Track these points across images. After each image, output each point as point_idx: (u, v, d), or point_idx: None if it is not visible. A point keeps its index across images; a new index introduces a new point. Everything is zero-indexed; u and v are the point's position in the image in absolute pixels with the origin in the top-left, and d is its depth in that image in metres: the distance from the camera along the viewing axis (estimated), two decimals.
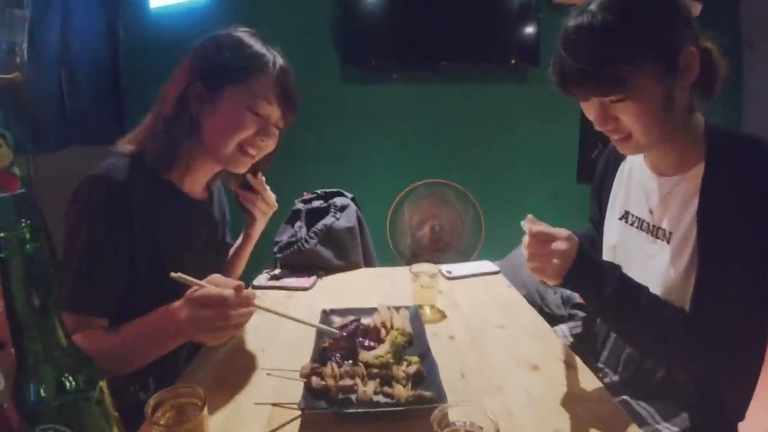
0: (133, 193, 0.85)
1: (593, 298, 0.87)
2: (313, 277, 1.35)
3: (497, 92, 3.10)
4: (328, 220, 1.40)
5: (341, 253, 1.41)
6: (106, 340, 0.80)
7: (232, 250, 1.27)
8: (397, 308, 1.05)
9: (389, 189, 3.06)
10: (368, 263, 1.49)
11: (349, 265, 1.43)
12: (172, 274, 0.74)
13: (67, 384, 0.48)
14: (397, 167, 3.15)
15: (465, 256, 2.99)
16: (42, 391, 0.47)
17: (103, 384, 0.52)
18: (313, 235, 1.37)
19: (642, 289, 0.83)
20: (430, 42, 2.90)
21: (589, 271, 0.82)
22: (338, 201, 1.48)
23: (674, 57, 0.76)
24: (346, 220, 1.44)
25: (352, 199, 1.54)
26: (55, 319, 0.48)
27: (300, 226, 1.45)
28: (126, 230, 0.85)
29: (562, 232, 0.83)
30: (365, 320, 0.98)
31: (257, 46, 0.95)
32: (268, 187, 1.16)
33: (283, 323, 0.80)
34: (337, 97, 3.15)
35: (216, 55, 0.92)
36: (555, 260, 0.80)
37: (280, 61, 0.96)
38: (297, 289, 1.30)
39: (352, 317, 1.00)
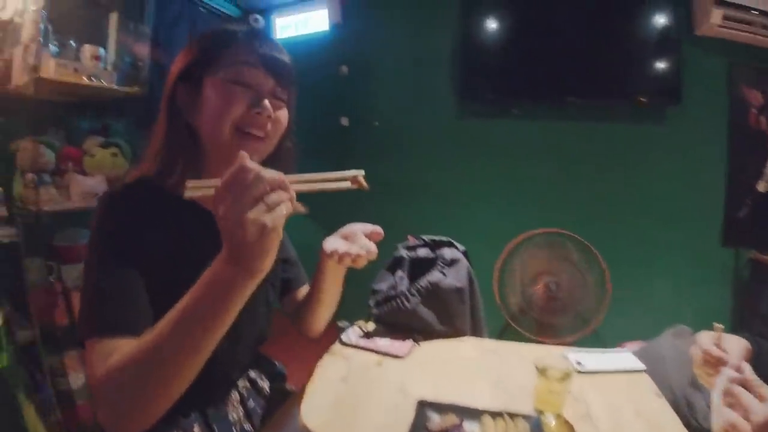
0: (145, 211, 0.77)
1: None
2: (410, 342, 1.15)
3: (631, 133, 2.72)
4: (435, 275, 1.20)
5: (445, 316, 1.20)
6: (136, 344, 0.63)
7: (304, 289, 1.11)
8: (513, 416, 0.80)
9: (501, 235, 2.78)
10: (476, 332, 1.26)
11: (454, 332, 1.21)
12: (186, 194, 0.59)
13: None
14: (512, 212, 2.87)
15: (583, 323, 2.61)
16: None
17: None
18: (415, 292, 1.17)
19: None
20: (556, 75, 2.65)
21: None
22: (447, 253, 1.27)
23: None
24: (456, 278, 1.22)
25: (464, 253, 1.32)
26: None
27: (401, 276, 1.26)
28: (141, 247, 0.74)
29: None
30: (469, 426, 0.75)
31: (225, 28, 0.86)
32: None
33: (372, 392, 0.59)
34: (452, 133, 3.00)
35: (188, 54, 0.85)
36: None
37: (249, 28, 0.88)
38: (390, 355, 1.11)
39: (453, 418, 0.78)
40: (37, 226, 1.96)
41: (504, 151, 2.90)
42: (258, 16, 3.41)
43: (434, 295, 1.18)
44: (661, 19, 2.50)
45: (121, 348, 0.64)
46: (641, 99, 2.59)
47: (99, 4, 2.43)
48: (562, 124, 2.79)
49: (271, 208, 0.55)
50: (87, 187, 2.10)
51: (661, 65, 2.53)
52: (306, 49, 3.35)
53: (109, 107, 2.45)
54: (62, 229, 2.21)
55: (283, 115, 0.87)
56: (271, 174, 0.55)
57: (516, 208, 2.87)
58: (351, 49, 3.27)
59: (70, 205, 2.05)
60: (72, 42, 2.15)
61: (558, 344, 2.59)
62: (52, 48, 2.02)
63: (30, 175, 1.91)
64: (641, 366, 1.13)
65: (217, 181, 0.56)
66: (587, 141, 2.77)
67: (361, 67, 3.26)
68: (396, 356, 1.10)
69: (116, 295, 0.71)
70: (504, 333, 2.75)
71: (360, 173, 0.70)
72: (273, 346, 1.12)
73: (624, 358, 1.16)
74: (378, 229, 0.92)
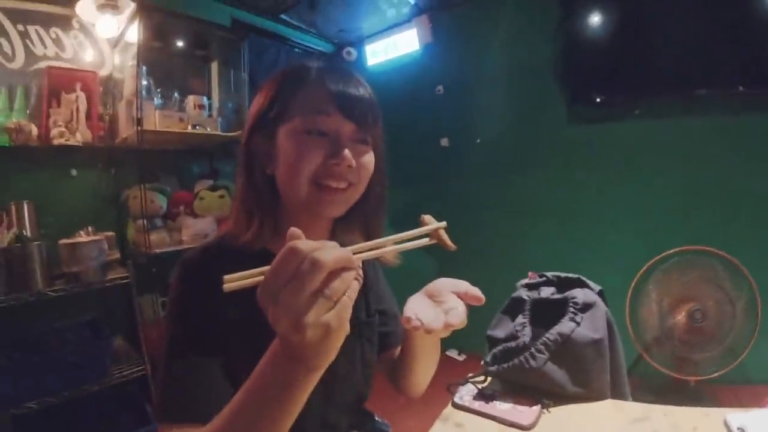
0: (220, 276, 0.65)
1: None
2: (537, 408, 0.94)
3: None
4: (566, 326, 0.98)
5: (580, 375, 0.97)
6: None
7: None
8: None
9: (631, 257, 2.42)
10: (617, 393, 1.01)
11: (590, 394, 0.97)
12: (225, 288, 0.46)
13: None
14: (642, 229, 2.50)
15: (732, 356, 2.17)
16: None
17: None
18: (543, 348, 0.96)
19: None
20: (679, 66, 2.26)
21: None
22: (579, 295, 1.04)
23: None
24: (592, 327, 0.99)
25: (599, 294, 1.08)
26: None
27: (523, 323, 1.06)
28: (215, 319, 0.69)
29: None
30: None
31: (296, 67, 0.77)
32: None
33: None
34: (563, 143, 2.72)
35: (261, 101, 0.77)
36: None
37: (320, 64, 0.76)
38: (512, 424, 0.91)
39: None
40: (149, 267, 2.05)
41: (626, 157, 2.56)
42: (350, 49, 3.44)
43: (566, 350, 0.96)
44: None
45: None
46: None
47: (199, 55, 2.57)
48: (693, 121, 2.40)
49: (334, 300, 0.43)
50: (197, 228, 2.19)
51: None
52: (398, 72, 3.32)
53: (217, 152, 2.59)
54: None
55: (369, 159, 0.76)
56: (332, 253, 0.43)
57: (648, 222, 2.50)
58: (445, 66, 3.19)
59: (183, 246, 2.13)
60: (176, 93, 2.27)
61: (697, 380, 2.21)
62: (157, 101, 2.14)
63: (140, 221, 2.00)
64: None
65: (261, 272, 0.46)
66: (725, 138, 2.35)
67: (458, 84, 3.14)
68: (520, 426, 0.91)
69: (185, 381, 0.67)
70: (635, 367, 2.39)
71: (441, 225, 0.60)
72: (377, 397, 0.99)
73: None
74: (474, 291, 0.71)
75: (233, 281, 0.47)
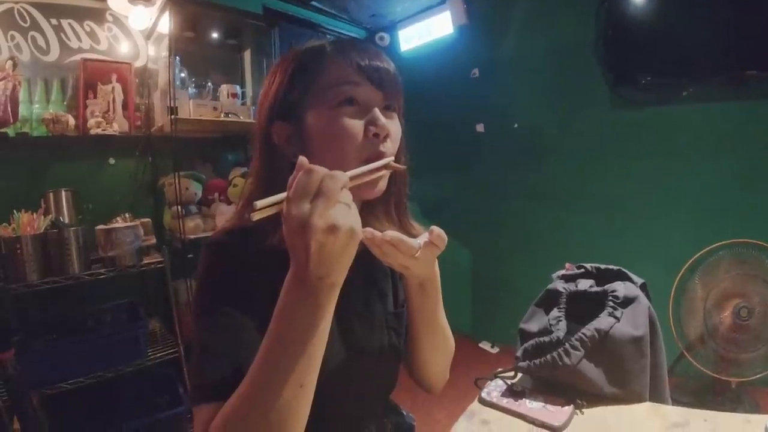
0: (249, 259, 0.69)
1: None
2: (569, 408, 0.89)
3: None
4: (605, 321, 0.93)
5: (618, 375, 0.91)
6: (230, 402, 0.57)
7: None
8: None
9: (676, 250, 2.31)
10: (656, 396, 0.95)
11: (627, 395, 0.92)
12: (253, 217, 0.52)
13: None
14: (689, 219, 2.39)
15: None
16: None
17: None
18: (578, 344, 0.91)
19: None
20: (730, 45, 2.12)
21: None
22: (619, 289, 0.98)
23: None
24: (632, 323, 0.93)
25: (642, 287, 1.02)
26: None
27: (558, 317, 1.01)
28: (246, 299, 0.67)
29: None
30: None
31: (310, 46, 0.74)
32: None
33: None
34: (605, 128, 2.60)
35: (276, 86, 0.74)
36: None
37: (335, 40, 0.75)
38: (542, 425, 0.87)
39: None
40: (183, 252, 2.09)
41: (673, 143, 2.43)
42: (383, 34, 3.39)
43: (603, 347, 0.90)
44: None
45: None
46: None
47: (231, 44, 2.58)
48: (744, 105, 2.25)
49: (348, 206, 0.52)
50: (230, 215, 2.20)
51: None
52: (432, 57, 3.25)
53: (250, 139, 2.60)
54: None
55: (397, 129, 0.75)
56: (341, 172, 0.53)
57: (695, 213, 2.38)
58: (481, 49, 3.10)
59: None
60: (210, 83, 2.29)
61: (739, 382, 2.10)
62: (191, 90, 2.16)
63: (175, 208, 2.04)
64: None
65: (280, 198, 0.52)
66: None
67: (494, 67, 3.05)
68: (550, 426, 0.86)
69: (218, 361, 0.65)
70: (676, 366, 2.29)
71: (389, 160, 0.69)
72: (405, 390, 0.96)
73: None
74: (438, 229, 0.70)
75: (262, 209, 0.52)
